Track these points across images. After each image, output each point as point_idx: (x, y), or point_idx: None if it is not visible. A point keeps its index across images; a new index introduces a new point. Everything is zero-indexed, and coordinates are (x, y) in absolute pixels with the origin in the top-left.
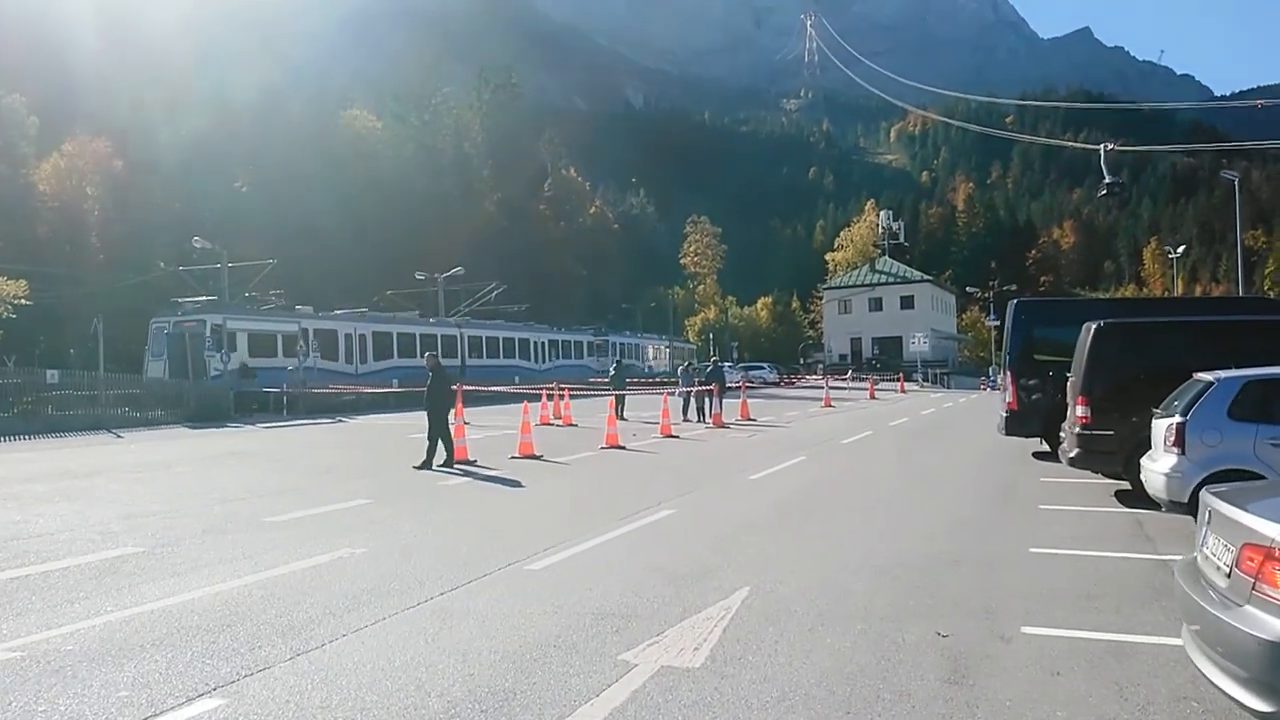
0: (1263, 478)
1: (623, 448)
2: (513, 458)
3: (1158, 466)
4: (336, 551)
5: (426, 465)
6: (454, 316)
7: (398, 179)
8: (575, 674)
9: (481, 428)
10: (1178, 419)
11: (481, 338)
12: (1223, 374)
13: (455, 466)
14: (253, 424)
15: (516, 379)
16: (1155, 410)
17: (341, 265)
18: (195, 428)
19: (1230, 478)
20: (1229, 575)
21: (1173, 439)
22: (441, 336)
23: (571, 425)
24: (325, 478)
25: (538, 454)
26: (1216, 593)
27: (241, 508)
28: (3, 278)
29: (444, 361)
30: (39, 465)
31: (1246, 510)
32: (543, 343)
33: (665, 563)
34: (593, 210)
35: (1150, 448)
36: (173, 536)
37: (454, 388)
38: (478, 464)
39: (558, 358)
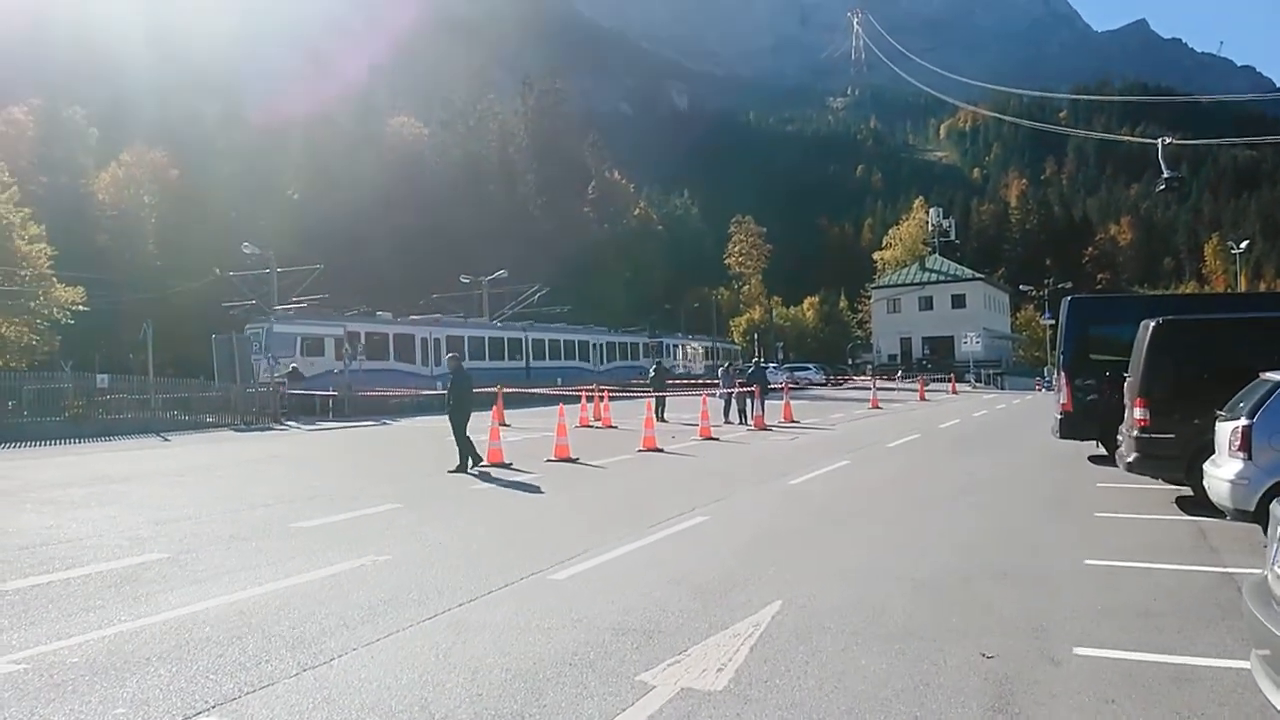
0: None
1: (661, 450)
2: (548, 461)
3: (1222, 472)
4: (360, 559)
5: (461, 469)
6: (498, 319)
7: (444, 185)
8: (589, 696)
9: (522, 429)
10: (1244, 421)
11: (544, 341)
12: None
13: (488, 469)
14: (299, 426)
15: (560, 380)
16: (1219, 412)
17: (389, 269)
18: (242, 431)
19: None
20: None
21: (1238, 443)
22: (508, 340)
23: (611, 427)
24: (358, 482)
25: (573, 457)
26: None
27: (271, 513)
28: (62, 285)
29: (510, 365)
30: (81, 469)
31: None
32: (601, 345)
33: (693, 574)
34: (637, 212)
35: (1213, 452)
36: (199, 543)
37: (475, 390)
38: (513, 467)
39: (615, 359)
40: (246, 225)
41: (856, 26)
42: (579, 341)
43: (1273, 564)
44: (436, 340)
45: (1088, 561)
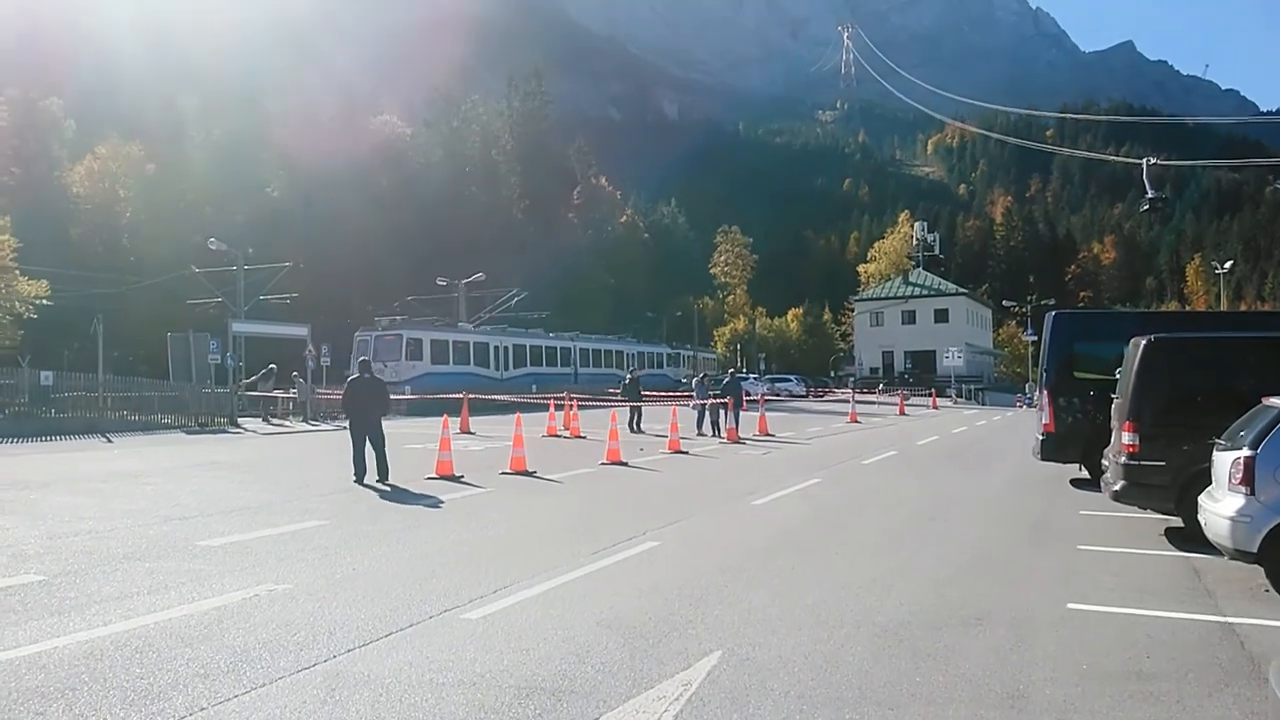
0: None
1: (624, 464)
2: (502, 474)
3: (1221, 508)
4: (256, 587)
5: (384, 479)
6: (474, 323)
7: (426, 185)
8: None
9: (486, 438)
10: (1246, 452)
11: (589, 350)
12: None
13: (419, 484)
14: (255, 431)
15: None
16: (1217, 441)
17: (368, 269)
18: (194, 433)
19: None
20: None
21: (1240, 476)
22: (560, 348)
23: (579, 437)
24: (290, 493)
25: (530, 470)
26: None
27: (181, 528)
28: (24, 278)
29: (559, 369)
30: (0, 473)
31: None
32: (634, 354)
33: (628, 614)
34: (623, 219)
35: (1207, 481)
36: (87, 562)
37: (389, 396)
38: (463, 480)
39: (645, 367)
40: (222, 221)
41: (846, 41)
42: (615, 351)
43: None
44: (506, 348)
45: (1071, 605)
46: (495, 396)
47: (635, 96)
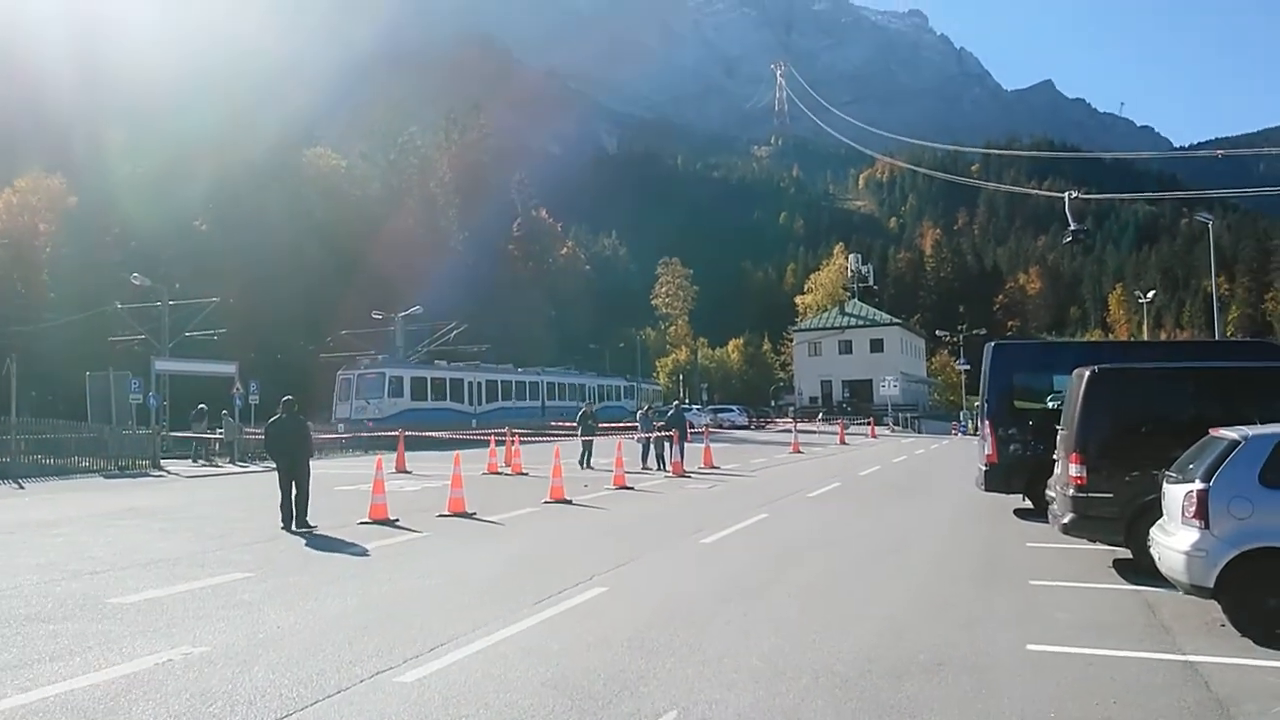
0: None
1: (569, 502)
2: (440, 516)
3: (1175, 542)
4: (172, 650)
5: (301, 524)
6: (412, 357)
7: (361, 217)
8: None
9: (424, 476)
10: (1199, 485)
11: (555, 384)
12: (1250, 431)
13: (350, 529)
14: (178, 474)
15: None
16: (1168, 473)
17: (302, 303)
18: (113, 477)
19: (1266, 559)
20: None
21: (1193, 510)
22: (529, 383)
23: (521, 474)
24: (214, 542)
25: (469, 511)
26: None
27: (92, 583)
28: None
29: (528, 403)
30: None
31: None
32: (594, 387)
33: (576, 671)
34: (564, 251)
35: (1156, 513)
36: None
37: (312, 437)
38: (398, 524)
39: (603, 400)
40: (148, 256)
41: (779, 79)
42: (578, 385)
43: None
44: (479, 384)
45: (1030, 647)
46: (467, 434)
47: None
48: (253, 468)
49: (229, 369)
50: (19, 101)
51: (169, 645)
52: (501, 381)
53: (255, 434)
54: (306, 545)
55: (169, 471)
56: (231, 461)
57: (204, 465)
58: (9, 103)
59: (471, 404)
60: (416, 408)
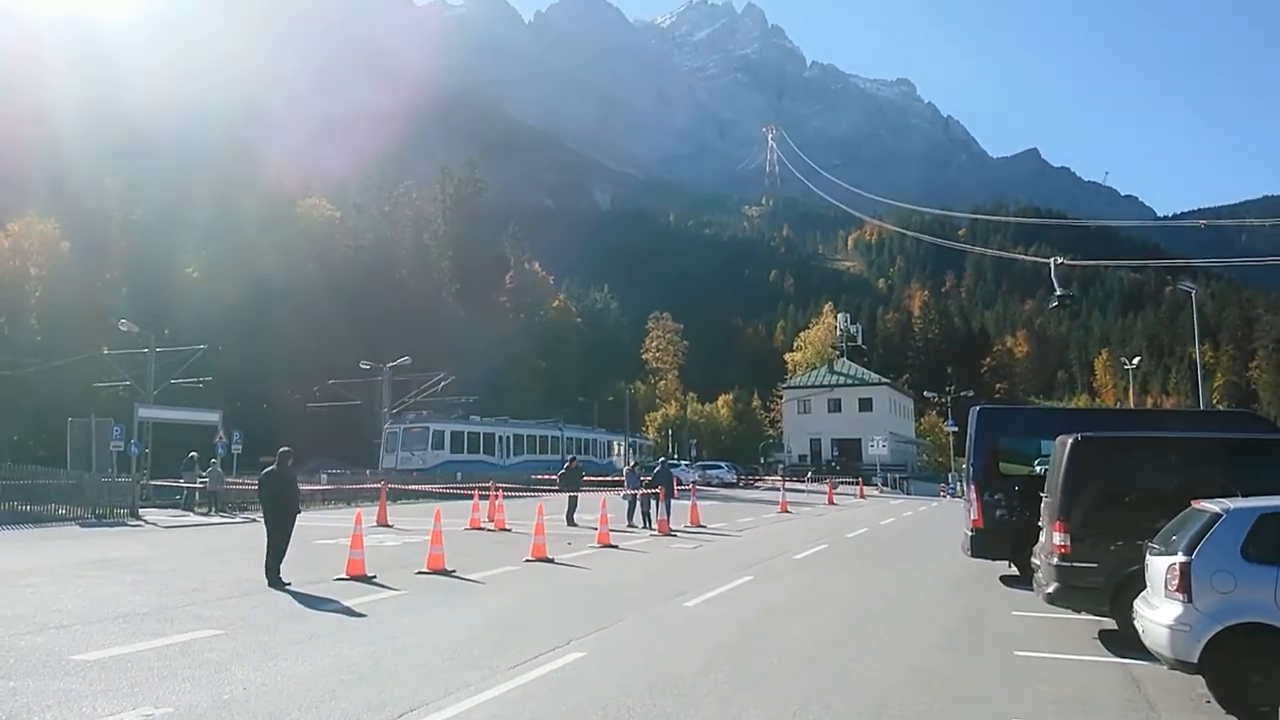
0: None
1: (550, 560)
2: (418, 573)
3: (1159, 616)
4: (133, 711)
5: (275, 580)
6: (397, 409)
7: (354, 267)
8: None
9: (405, 531)
10: (1181, 558)
11: (573, 438)
12: (1231, 504)
13: (326, 585)
14: (156, 524)
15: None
16: (1151, 544)
17: (291, 352)
18: (90, 526)
19: (1249, 634)
20: None
21: (1176, 583)
22: (550, 436)
23: (504, 530)
24: (186, 596)
25: (448, 569)
26: None
27: (57, 639)
28: None
29: (546, 457)
30: None
31: None
32: (605, 442)
33: None
34: (555, 304)
35: (1140, 583)
36: None
37: (299, 491)
38: (375, 581)
39: (608, 455)
40: (140, 302)
41: (771, 142)
42: (593, 440)
43: None
44: (507, 437)
45: None
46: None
47: (570, 187)
48: (235, 519)
49: (213, 417)
50: (21, 142)
51: (130, 706)
52: (527, 435)
53: (236, 484)
54: (280, 602)
55: (146, 521)
56: (213, 511)
57: (201, 514)
58: (10, 145)
59: (500, 456)
60: (455, 459)
